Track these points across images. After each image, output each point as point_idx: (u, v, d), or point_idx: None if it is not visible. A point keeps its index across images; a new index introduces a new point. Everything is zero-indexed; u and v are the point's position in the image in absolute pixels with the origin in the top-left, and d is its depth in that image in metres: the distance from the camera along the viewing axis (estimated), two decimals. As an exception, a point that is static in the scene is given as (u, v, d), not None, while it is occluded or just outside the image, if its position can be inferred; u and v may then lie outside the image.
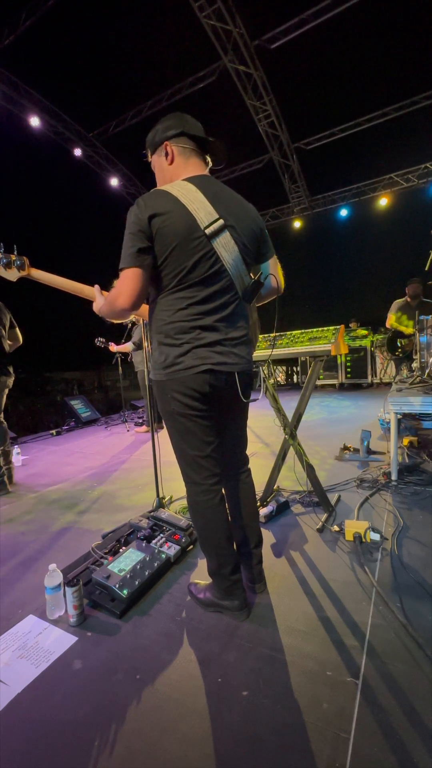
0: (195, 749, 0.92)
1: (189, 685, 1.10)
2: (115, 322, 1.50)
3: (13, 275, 1.50)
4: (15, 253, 1.50)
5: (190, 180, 1.22)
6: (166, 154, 1.28)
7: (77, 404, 6.15)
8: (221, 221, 1.19)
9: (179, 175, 1.27)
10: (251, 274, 1.29)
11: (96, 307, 1.42)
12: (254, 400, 1.36)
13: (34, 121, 6.75)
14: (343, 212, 9.24)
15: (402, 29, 5.60)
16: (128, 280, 1.16)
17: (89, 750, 0.94)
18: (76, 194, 8.55)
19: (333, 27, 5.49)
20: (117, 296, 1.17)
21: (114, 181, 8.69)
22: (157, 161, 1.33)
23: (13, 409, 3.95)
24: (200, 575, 1.64)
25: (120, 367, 5.79)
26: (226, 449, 1.45)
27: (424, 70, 6.09)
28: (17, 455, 3.92)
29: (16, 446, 4.12)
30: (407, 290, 4.86)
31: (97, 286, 1.49)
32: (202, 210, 1.17)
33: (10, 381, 3.00)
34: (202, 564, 1.73)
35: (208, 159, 1.33)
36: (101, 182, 8.66)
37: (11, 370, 2.99)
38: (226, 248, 1.20)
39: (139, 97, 7.07)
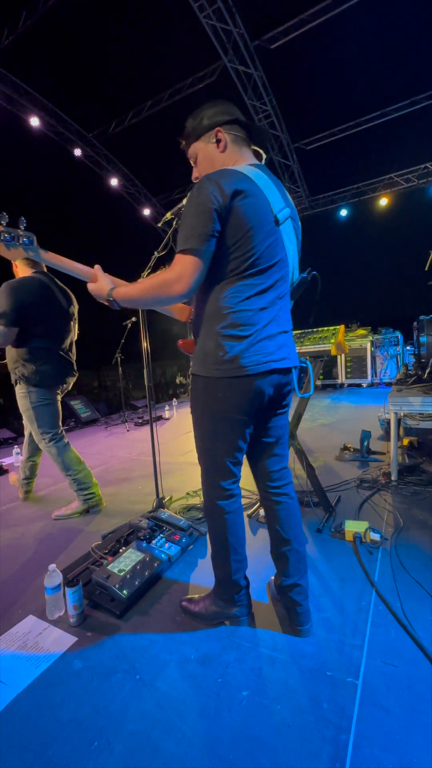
0: (195, 749, 0.92)
1: (189, 684, 1.10)
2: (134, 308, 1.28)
3: (16, 255, 1.23)
4: (22, 227, 1.23)
5: (254, 166, 1.16)
6: (218, 141, 1.18)
7: (77, 404, 6.15)
8: (288, 209, 1.15)
9: (236, 163, 1.18)
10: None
11: (101, 287, 1.19)
12: (310, 395, 1.33)
13: (34, 121, 6.74)
14: (343, 212, 9.24)
15: (402, 29, 5.59)
16: (193, 265, 1.04)
17: (89, 750, 0.94)
18: (76, 194, 8.55)
19: (333, 27, 5.49)
20: (176, 280, 1.04)
21: (114, 181, 8.68)
22: (205, 148, 1.21)
23: (13, 410, 3.94)
24: (200, 575, 1.64)
25: (120, 367, 5.79)
26: (267, 457, 1.31)
27: (424, 70, 6.09)
28: (17, 455, 3.92)
29: (16, 446, 4.12)
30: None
31: (98, 266, 1.27)
32: (272, 195, 1.12)
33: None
34: (202, 564, 1.73)
35: (258, 149, 1.27)
36: (101, 182, 8.66)
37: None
38: (289, 237, 1.17)
39: (139, 97, 7.06)
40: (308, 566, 1.63)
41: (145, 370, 2.38)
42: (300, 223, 1.28)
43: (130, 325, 4.42)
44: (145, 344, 2.37)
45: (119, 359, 5.63)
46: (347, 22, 5.42)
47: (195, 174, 1.26)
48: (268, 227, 1.09)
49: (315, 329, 2.18)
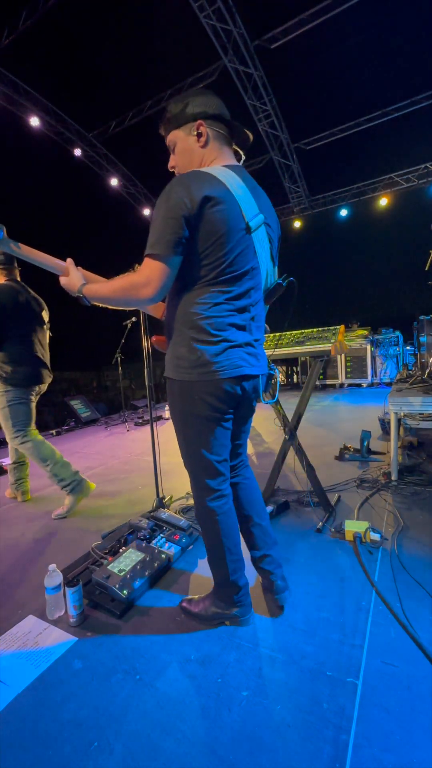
0: (195, 749, 0.92)
1: (189, 685, 1.10)
2: (115, 308, 1.26)
3: None
4: None
5: (230, 168, 1.14)
6: (199, 135, 1.15)
7: (77, 404, 6.15)
8: (262, 216, 1.14)
9: (214, 162, 1.17)
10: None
11: (72, 282, 1.21)
12: (274, 402, 1.35)
13: (34, 122, 6.75)
14: (343, 212, 9.24)
15: (402, 29, 5.59)
16: (160, 271, 1.04)
17: (89, 750, 0.94)
18: (76, 194, 8.55)
19: (333, 27, 5.49)
20: (144, 285, 1.05)
21: (114, 181, 8.69)
22: (185, 140, 1.18)
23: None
24: (200, 575, 1.64)
25: (120, 367, 5.79)
26: (232, 451, 1.38)
27: (424, 70, 6.09)
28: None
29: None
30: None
31: (70, 260, 1.27)
32: (246, 201, 1.11)
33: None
34: (202, 564, 1.73)
35: (237, 149, 1.25)
36: (101, 182, 8.66)
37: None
38: (262, 244, 1.16)
39: (139, 96, 7.06)
40: (308, 566, 1.64)
41: (145, 370, 2.38)
42: (278, 228, 1.27)
43: (130, 325, 4.42)
44: (145, 344, 2.37)
45: (119, 359, 5.63)
46: (347, 22, 5.43)
47: (171, 162, 1.24)
48: (238, 235, 1.08)
49: (315, 329, 2.18)
